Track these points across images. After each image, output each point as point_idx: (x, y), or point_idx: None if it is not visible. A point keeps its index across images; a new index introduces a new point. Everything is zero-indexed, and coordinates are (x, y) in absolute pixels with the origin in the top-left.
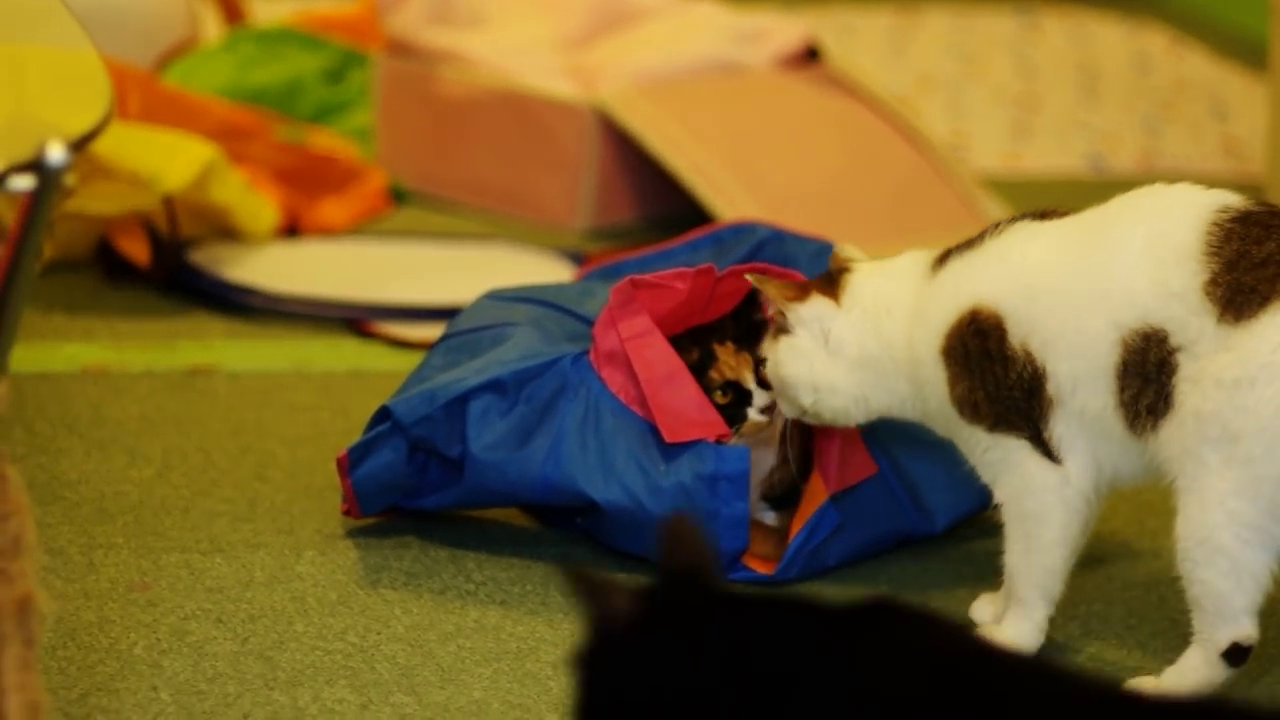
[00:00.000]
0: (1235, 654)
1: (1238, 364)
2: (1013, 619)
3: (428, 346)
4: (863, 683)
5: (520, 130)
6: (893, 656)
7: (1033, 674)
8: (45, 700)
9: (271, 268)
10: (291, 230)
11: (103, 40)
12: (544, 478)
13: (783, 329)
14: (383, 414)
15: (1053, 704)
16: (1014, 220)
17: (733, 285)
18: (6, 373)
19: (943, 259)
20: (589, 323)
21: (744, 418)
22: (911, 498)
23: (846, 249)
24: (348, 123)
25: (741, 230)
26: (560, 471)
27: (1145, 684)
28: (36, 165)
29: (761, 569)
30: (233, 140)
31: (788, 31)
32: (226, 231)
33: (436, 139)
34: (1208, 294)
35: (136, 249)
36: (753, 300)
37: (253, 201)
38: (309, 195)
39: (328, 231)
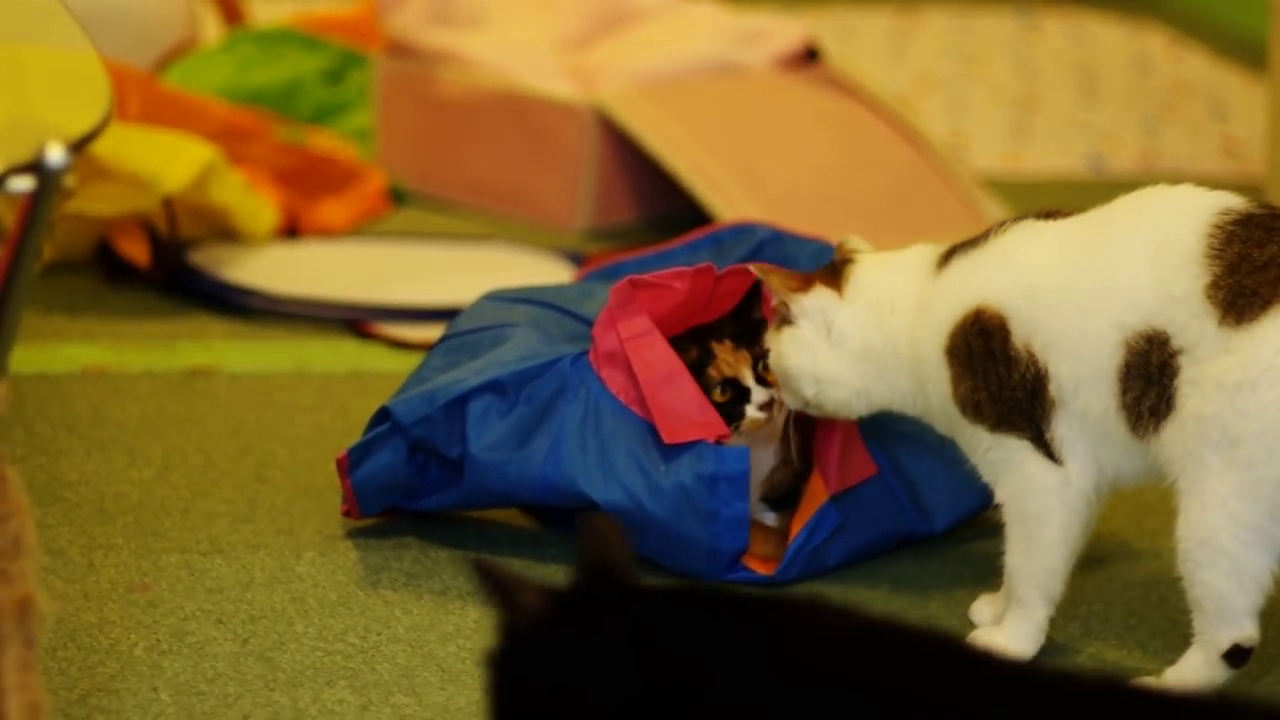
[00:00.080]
0: (1236, 655)
1: (1239, 367)
2: (1013, 620)
3: (427, 347)
4: (778, 672)
5: (520, 131)
6: (807, 645)
7: (952, 655)
8: (45, 701)
9: (271, 269)
10: (291, 231)
11: (103, 41)
12: (544, 478)
13: (785, 320)
14: (382, 415)
15: (965, 682)
16: (1018, 219)
17: (732, 285)
18: (6, 373)
19: (947, 256)
20: (589, 323)
21: (742, 415)
22: (911, 498)
23: (853, 240)
24: (347, 123)
25: (741, 231)
26: (560, 472)
27: (1146, 684)
28: (36, 166)
29: (761, 569)
30: (232, 141)
31: (787, 32)
32: (226, 232)
33: (436, 139)
34: (1209, 297)
35: (136, 250)
36: (751, 299)
37: (252, 202)
38: (309, 196)
39: (327, 232)
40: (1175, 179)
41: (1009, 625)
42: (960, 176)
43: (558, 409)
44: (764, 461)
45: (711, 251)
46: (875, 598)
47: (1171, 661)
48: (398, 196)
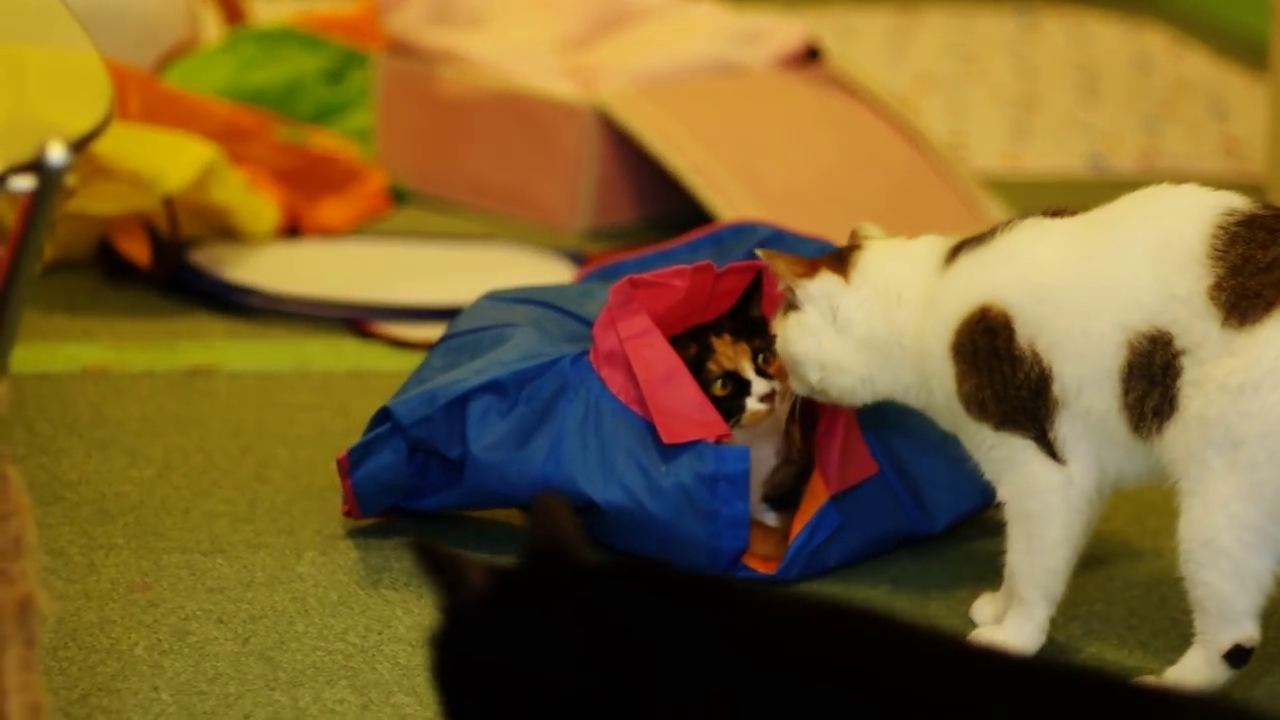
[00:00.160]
0: (1237, 655)
1: (1242, 369)
2: (1014, 619)
3: (428, 347)
4: (728, 649)
5: (520, 130)
6: (756, 623)
7: (898, 633)
8: (46, 701)
9: (272, 268)
10: (292, 230)
11: (103, 40)
12: (544, 478)
13: (792, 305)
14: (382, 415)
15: (898, 652)
16: (1026, 217)
17: (732, 283)
18: (7, 373)
19: (955, 251)
20: (589, 324)
21: (743, 408)
22: (912, 497)
23: (867, 227)
24: (348, 123)
25: (741, 230)
26: (560, 472)
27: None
28: (37, 166)
29: (762, 569)
30: (233, 141)
31: (787, 31)
32: (227, 232)
33: (436, 139)
34: (1212, 298)
35: (137, 249)
36: (750, 296)
37: (253, 202)
38: (309, 196)
39: (328, 232)
40: (1176, 178)
41: (1010, 624)
42: (960, 176)
43: (558, 409)
44: (765, 461)
45: (712, 251)
46: (876, 597)
47: (1172, 661)
48: (398, 196)
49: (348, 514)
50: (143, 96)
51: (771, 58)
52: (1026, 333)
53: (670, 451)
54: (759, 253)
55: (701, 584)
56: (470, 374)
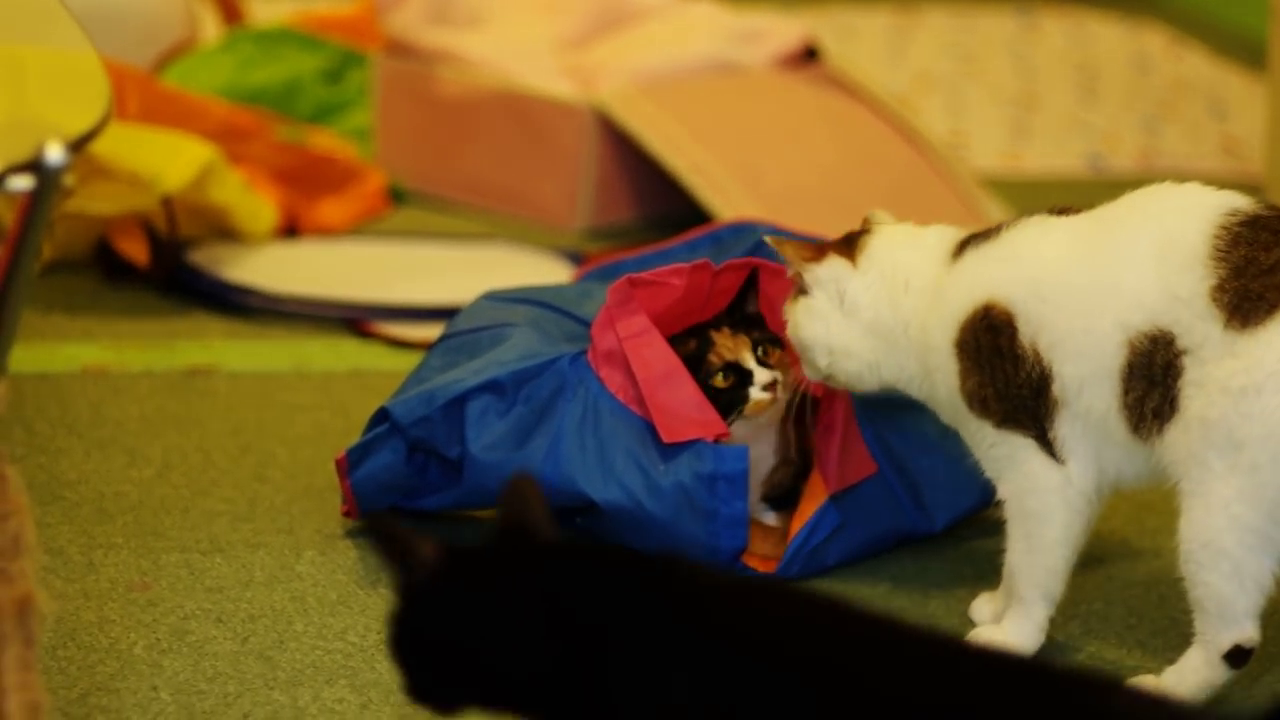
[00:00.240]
0: (1236, 656)
1: (1244, 371)
2: (1013, 618)
3: (427, 347)
4: (680, 626)
5: (519, 130)
6: (710, 604)
7: (852, 619)
8: (45, 700)
9: (271, 268)
10: (291, 230)
11: (102, 40)
12: (543, 478)
13: (801, 290)
14: (381, 415)
15: (844, 631)
16: (1032, 215)
17: (729, 281)
18: (6, 373)
19: (962, 246)
20: (587, 324)
21: (747, 398)
22: (912, 496)
23: (879, 214)
24: (347, 123)
25: (740, 230)
26: (559, 471)
27: (1146, 684)
28: (36, 165)
29: (762, 568)
30: (232, 140)
31: (786, 31)
32: (226, 232)
33: (436, 139)
34: (1214, 299)
35: (136, 249)
36: (747, 293)
37: (252, 202)
38: (308, 195)
39: (327, 232)
40: (1175, 178)
41: (1009, 623)
42: (960, 176)
43: (556, 408)
44: (764, 460)
45: (710, 250)
46: (875, 596)
47: (1171, 661)
48: (397, 196)
49: (347, 514)
50: (141, 96)
51: (770, 57)
52: (1028, 331)
53: (669, 451)
54: (767, 238)
55: (654, 564)
56: (469, 374)
